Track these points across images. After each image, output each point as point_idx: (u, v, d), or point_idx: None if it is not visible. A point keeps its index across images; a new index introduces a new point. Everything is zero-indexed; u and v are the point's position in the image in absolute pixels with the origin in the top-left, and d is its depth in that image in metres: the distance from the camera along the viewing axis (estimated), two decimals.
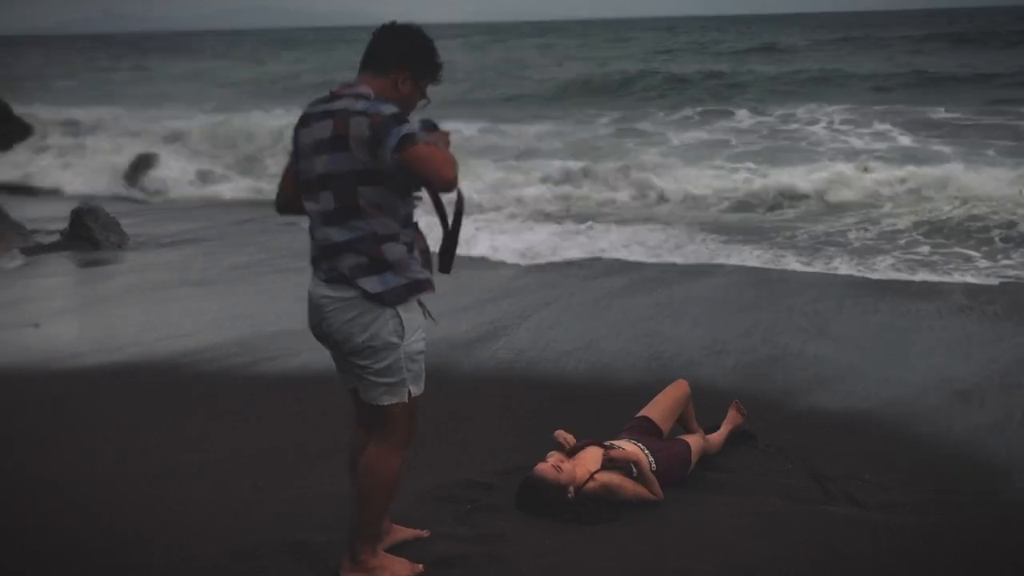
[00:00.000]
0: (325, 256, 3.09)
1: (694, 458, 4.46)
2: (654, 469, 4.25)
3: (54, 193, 15.37)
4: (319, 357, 4.22)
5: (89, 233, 11.19)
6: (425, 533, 3.68)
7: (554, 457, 4.06)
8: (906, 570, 3.68)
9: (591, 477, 4.04)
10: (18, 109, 21.12)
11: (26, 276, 9.60)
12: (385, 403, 3.16)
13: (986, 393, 5.65)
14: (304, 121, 3.12)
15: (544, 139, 17.86)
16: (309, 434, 4.99)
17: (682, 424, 4.76)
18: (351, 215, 3.01)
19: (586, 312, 7.67)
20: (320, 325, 3.17)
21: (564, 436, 4.22)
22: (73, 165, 17.59)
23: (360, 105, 2.96)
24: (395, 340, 3.08)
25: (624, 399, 5.29)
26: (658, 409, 4.65)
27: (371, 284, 3.03)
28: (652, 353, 6.54)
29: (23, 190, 15.68)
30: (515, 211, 12.25)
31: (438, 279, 3.23)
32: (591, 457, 4.14)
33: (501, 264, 9.50)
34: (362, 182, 2.97)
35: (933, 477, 4.54)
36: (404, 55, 3.10)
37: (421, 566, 3.40)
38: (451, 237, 3.21)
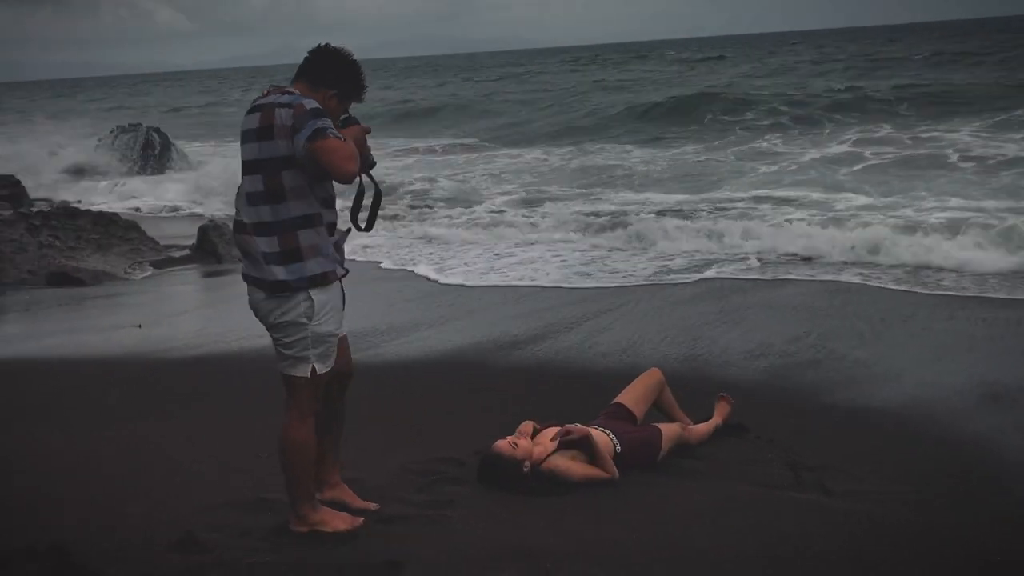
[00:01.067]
0: (249, 236, 3.44)
1: (665, 443, 4.55)
2: (619, 452, 4.39)
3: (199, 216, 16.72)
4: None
5: (214, 248, 12.24)
6: (373, 506, 3.89)
7: (515, 435, 4.28)
8: (851, 554, 3.63)
9: (547, 457, 4.25)
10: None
11: (149, 286, 10.61)
12: (290, 374, 3.50)
13: (1021, 397, 5.43)
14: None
15: (653, 161, 17.89)
16: None
17: (664, 412, 4.89)
18: (275, 198, 3.36)
19: (642, 319, 7.77)
20: (249, 302, 3.56)
21: (526, 427, 4.42)
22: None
23: (285, 98, 3.35)
24: (303, 321, 3.40)
25: None
26: (630, 395, 4.80)
27: (279, 273, 3.38)
28: (690, 355, 6.61)
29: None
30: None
31: None
32: (549, 436, 4.34)
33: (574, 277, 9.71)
34: (285, 166, 3.33)
35: (929, 473, 4.46)
36: (337, 77, 3.50)
37: (362, 520, 3.68)
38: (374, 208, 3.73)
